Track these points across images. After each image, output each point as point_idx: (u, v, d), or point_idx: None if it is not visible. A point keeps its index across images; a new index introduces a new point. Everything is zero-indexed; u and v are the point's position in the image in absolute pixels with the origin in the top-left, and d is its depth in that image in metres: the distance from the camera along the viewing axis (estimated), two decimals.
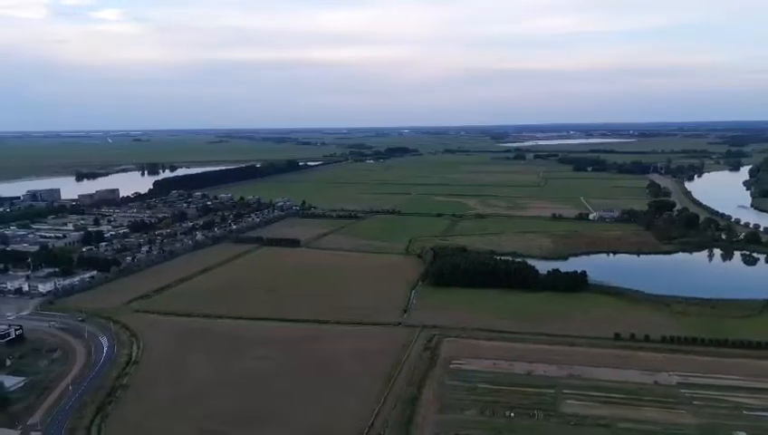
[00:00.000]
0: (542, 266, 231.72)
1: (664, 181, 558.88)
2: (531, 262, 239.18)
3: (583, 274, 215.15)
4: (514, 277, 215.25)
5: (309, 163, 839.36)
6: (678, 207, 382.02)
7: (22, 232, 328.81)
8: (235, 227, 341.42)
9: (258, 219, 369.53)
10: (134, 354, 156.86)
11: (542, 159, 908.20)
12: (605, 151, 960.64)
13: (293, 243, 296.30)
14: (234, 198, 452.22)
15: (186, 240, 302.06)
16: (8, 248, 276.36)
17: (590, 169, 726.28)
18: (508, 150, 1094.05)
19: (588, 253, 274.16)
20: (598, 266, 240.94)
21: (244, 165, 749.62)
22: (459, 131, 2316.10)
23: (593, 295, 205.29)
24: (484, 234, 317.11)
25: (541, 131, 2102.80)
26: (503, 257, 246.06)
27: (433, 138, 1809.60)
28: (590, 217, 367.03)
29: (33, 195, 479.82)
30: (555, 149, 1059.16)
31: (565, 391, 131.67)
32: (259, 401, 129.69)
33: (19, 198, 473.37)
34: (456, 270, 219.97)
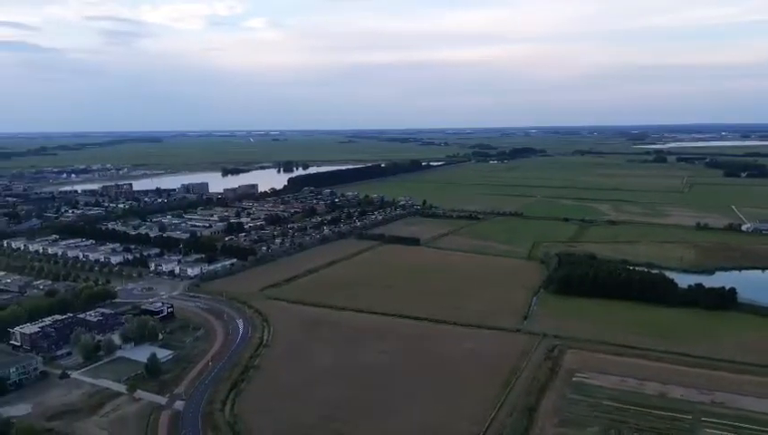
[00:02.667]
0: (683, 280, 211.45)
1: None
2: (669, 274, 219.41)
3: (732, 291, 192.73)
4: (649, 290, 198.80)
5: (431, 163, 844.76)
6: None
7: (176, 221, 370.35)
8: (359, 223, 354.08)
9: (381, 217, 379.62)
10: (265, 338, 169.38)
11: (686, 162, 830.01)
12: (765, 155, 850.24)
13: (414, 241, 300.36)
14: (359, 196, 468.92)
15: (314, 234, 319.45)
16: (165, 235, 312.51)
17: (744, 174, 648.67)
18: (647, 152, 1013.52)
19: (738, 268, 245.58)
20: (750, 284, 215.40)
21: (369, 164, 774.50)
22: (592, 132, 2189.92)
23: (743, 315, 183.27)
24: (616, 241, 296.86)
25: (686, 132, 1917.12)
26: (636, 268, 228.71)
27: (562, 138, 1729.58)
28: (743, 227, 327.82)
29: (187, 188, 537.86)
30: (703, 152, 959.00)
31: (705, 418, 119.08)
32: (377, 393, 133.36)
33: (175, 190, 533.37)
34: (582, 278, 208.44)
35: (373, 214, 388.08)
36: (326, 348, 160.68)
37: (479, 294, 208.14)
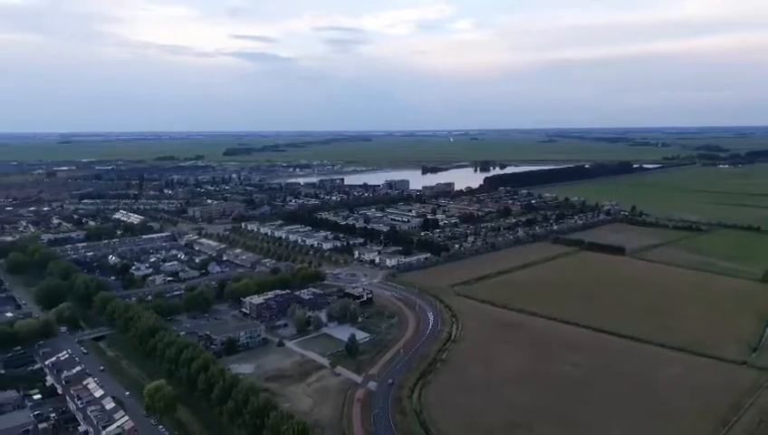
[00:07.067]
0: None
1: None
2: None
3: None
4: None
5: (644, 166, 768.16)
6: None
7: (378, 214, 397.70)
8: (555, 227, 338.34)
9: (581, 222, 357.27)
10: (453, 333, 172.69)
11: None
12: None
13: (618, 250, 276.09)
14: (557, 198, 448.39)
15: (507, 235, 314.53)
16: (368, 226, 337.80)
17: None
18: None
19: None
20: None
21: (571, 165, 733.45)
22: None
23: None
24: None
25: None
26: None
27: None
28: None
29: (389, 184, 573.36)
30: None
31: None
32: (566, 406, 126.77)
33: (379, 186, 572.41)
34: None
35: (572, 218, 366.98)
36: (514, 351, 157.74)
37: (695, 317, 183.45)
